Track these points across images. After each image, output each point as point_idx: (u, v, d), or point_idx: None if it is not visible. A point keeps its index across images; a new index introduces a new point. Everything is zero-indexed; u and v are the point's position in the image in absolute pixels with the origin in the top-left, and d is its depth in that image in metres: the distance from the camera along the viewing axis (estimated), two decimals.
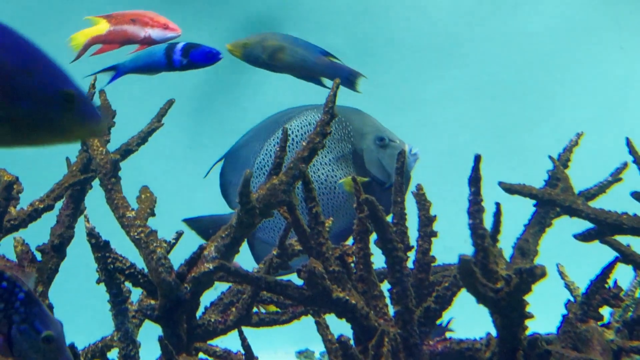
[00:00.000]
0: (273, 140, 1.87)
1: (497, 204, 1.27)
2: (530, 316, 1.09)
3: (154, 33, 1.93)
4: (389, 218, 1.32)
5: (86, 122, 0.76)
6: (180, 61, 1.80)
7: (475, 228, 1.16)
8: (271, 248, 1.76)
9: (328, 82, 1.92)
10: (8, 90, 0.73)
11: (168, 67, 1.81)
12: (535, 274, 1.02)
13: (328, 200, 1.84)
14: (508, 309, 1.07)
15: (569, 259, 1.77)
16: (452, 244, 1.56)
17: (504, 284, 1.06)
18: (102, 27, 1.94)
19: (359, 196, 1.28)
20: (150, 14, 1.95)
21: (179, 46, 1.81)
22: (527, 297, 1.10)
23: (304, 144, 1.31)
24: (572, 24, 3.78)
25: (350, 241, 1.81)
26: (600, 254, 1.57)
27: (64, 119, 0.75)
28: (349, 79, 1.90)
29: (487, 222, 1.25)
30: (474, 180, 1.20)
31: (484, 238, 1.15)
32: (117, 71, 1.86)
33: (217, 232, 1.94)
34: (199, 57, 1.80)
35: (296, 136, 1.84)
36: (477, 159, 1.18)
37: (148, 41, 1.93)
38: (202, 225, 1.88)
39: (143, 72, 1.87)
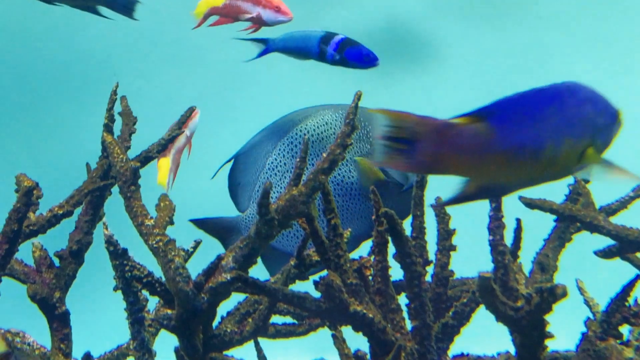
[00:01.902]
0: (287, 139, 1.82)
1: (518, 220, 1.26)
2: (550, 336, 1.08)
3: (265, 14, 1.87)
4: (407, 221, 1.31)
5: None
6: (333, 55, 1.68)
7: (496, 244, 1.15)
8: (277, 253, 1.74)
9: (104, 11, 1.79)
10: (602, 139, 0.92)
11: (319, 57, 1.70)
12: (556, 294, 1.01)
13: (343, 202, 1.81)
14: (528, 328, 1.05)
15: (589, 274, 1.75)
16: (470, 255, 1.55)
17: (524, 302, 1.05)
18: None
19: (378, 209, 1.27)
20: None
21: (336, 39, 1.70)
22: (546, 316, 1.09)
23: (324, 155, 1.30)
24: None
25: (363, 246, 1.80)
26: (620, 269, 1.56)
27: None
28: (126, 5, 1.79)
29: (508, 236, 1.24)
30: None
31: (504, 255, 1.14)
32: (267, 46, 1.78)
33: (223, 234, 1.93)
34: (354, 56, 1.68)
35: (312, 135, 1.81)
36: None
37: (259, 21, 1.88)
38: (208, 228, 1.86)
39: (292, 55, 1.77)
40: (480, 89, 3.73)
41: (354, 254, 1.74)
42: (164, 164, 1.97)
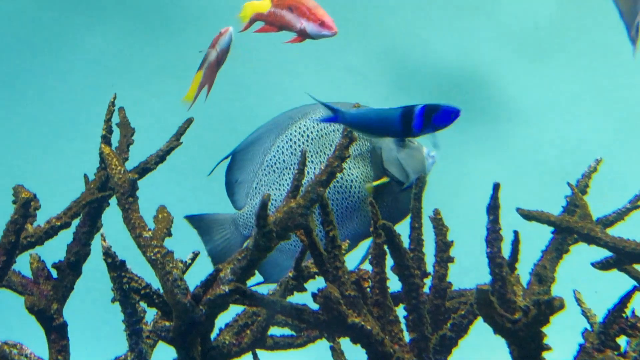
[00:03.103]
0: (286, 136, 1.82)
1: (516, 232, 1.26)
2: (547, 348, 1.08)
3: (309, 27, 1.81)
4: (406, 221, 1.31)
5: None
6: (421, 128, 1.51)
7: (493, 257, 1.15)
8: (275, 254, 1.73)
9: None
10: None
11: (403, 134, 1.54)
12: (553, 306, 1.01)
13: (342, 201, 1.79)
14: (526, 340, 1.06)
15: (587, 286, 1.76)
16: (468, 267, 1.55)
17: (521, 314, 1.05)
18: (266, 5, 1.87)
19: (376, 221, 1.27)
20: (310, 4, 1.83)
21: (417, 111, 1.52)
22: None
23: (322, 167, 1.30)
24: None
25: (358, 249, 1.79)
26: (618, 281, 1.56)
27: None
28: None
29: (505, 248, 1.25)
30: (493, 208, 1.19)
31: (501, 267, 1.15)
32: (335, 117, 1.56)
33: (216, 231, 1.91)
34: (442, 120, 1.52)
35: (311, 132, 1.80)
36: (496, 187, 1.18)
37: (303, 34, 1.83)
38: (203, 224, 1.84)
39: (365, 133, 1.60)
40: (548, 130, 3.72)
41: (353, 253, 1.74)
42: (197, 78, 1.94)
